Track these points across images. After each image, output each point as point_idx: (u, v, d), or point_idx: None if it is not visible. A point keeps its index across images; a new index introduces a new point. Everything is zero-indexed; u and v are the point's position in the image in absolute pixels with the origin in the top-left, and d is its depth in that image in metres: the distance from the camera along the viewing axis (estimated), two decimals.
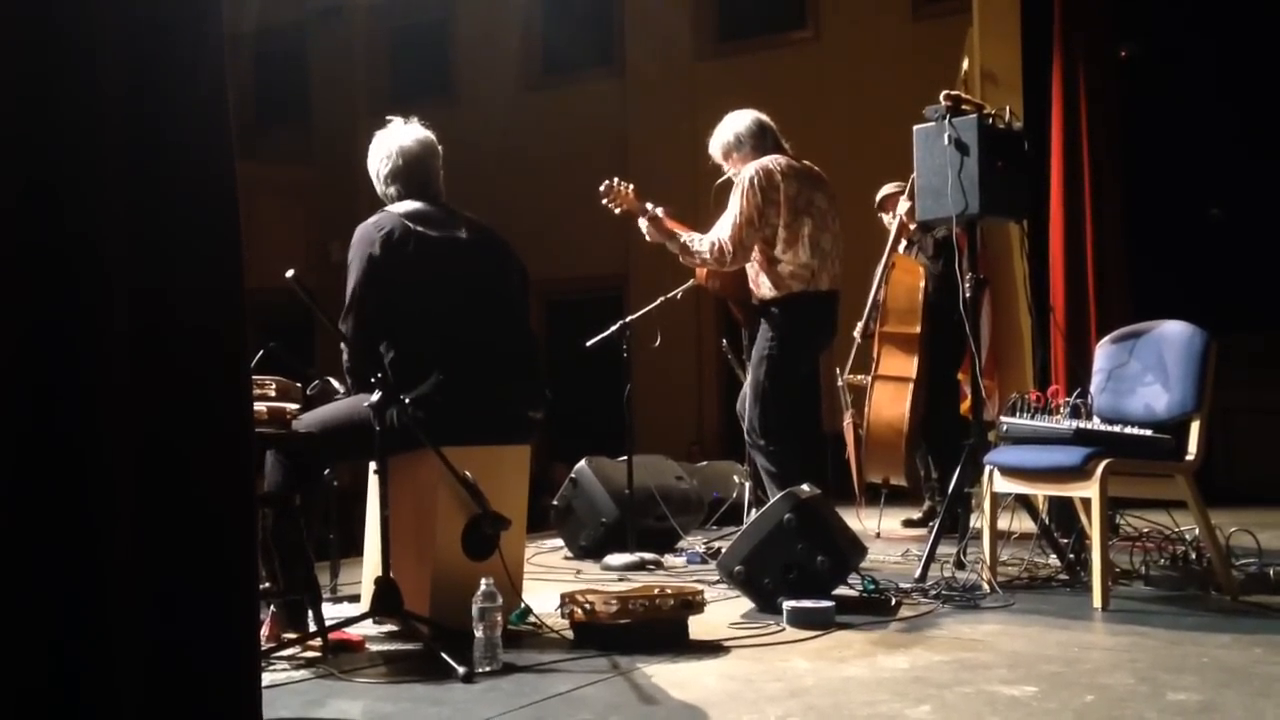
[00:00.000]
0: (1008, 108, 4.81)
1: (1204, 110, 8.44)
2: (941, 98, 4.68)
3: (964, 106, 4.68)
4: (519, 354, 3.85)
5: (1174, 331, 4.26)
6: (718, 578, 4.27)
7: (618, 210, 5.24)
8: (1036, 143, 7.66)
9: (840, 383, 6.42)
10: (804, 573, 3.84)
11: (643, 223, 5.15)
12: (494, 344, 3.76)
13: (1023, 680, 2.92)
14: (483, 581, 3.10)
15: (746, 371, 6.13)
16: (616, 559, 5.15)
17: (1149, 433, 4.09)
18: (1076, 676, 2.96)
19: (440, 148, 3.96)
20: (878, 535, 6.18)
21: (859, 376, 6.27)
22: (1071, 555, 4.58)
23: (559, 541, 5.91)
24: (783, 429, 4.94)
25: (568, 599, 3.37)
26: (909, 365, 6.14)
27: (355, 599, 4.14)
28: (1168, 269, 8.06)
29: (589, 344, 5.43)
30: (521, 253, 4.05)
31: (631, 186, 5.20)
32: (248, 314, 2.13)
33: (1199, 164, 8.49)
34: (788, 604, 3.66)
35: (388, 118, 4.00)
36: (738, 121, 5.12)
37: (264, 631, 3.26)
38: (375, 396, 3.28)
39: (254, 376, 3.48)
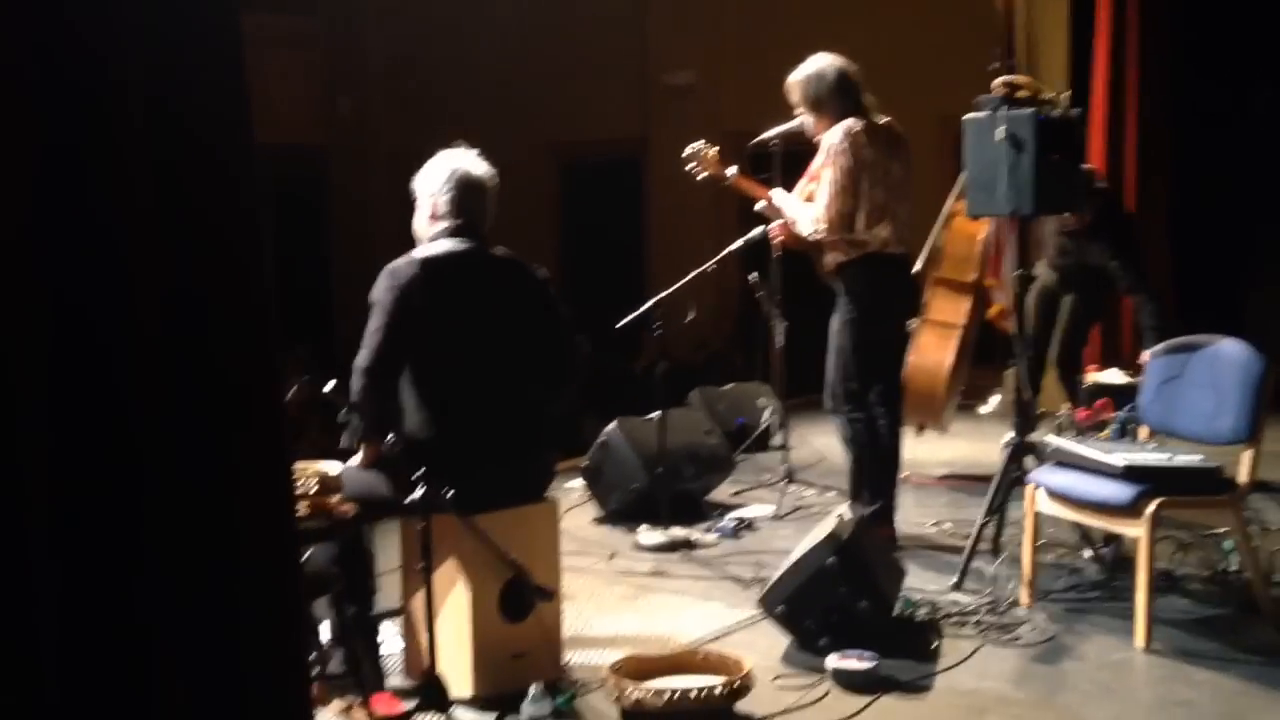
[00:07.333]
0: (1064, 95, 4.54)
1: None
2: (994, 86, 4.43)
3: (1019, 94, 4.43)
4: (539, 401, 3.81)
5: (1231, 352, 4.12)
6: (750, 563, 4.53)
7: (701, 176, 5.31)
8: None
9: None
10: (845, 616, 3.83)
11: (763, 205, 5.16)
12: (512, 398, 3.71)
13: None
14: (532, 688, 3.09)
15: (775, 311, 6.05)
16: (649, 537, 5.14)
17: (1199, 460, 4.01)
18: None
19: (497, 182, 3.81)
20: (907, 477, 6.14)
21: (913, 321, 6.15)
22: (1106, 550, 4.58)
23: (580, 483, 5.85)
24: (864, 395, 4.94)
25: (615, 681, 3.35)
26: (959, 311, 6.08)
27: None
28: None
29: (619, 325, 5.28)
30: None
31: (716, 149, 5.23)
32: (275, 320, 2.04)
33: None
34: (832, 663, 3.65)
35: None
36: (823, 76, 4.87)
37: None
38: (419, 493, 3.20)
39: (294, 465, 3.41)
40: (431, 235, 3.74)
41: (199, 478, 1.92)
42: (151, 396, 1.84)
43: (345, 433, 3.72)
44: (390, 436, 3.56)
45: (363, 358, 3.56)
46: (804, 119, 4.95)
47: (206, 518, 1.93)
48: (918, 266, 6.20)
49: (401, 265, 3.63)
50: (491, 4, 11.52)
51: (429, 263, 3.63)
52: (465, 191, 3.73)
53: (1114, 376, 6.05)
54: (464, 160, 3.77)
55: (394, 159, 12.77)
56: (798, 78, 4.92)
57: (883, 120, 4.87)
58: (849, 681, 3.61)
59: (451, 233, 3.71)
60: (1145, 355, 6.21)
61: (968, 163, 4.49)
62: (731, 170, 5.26)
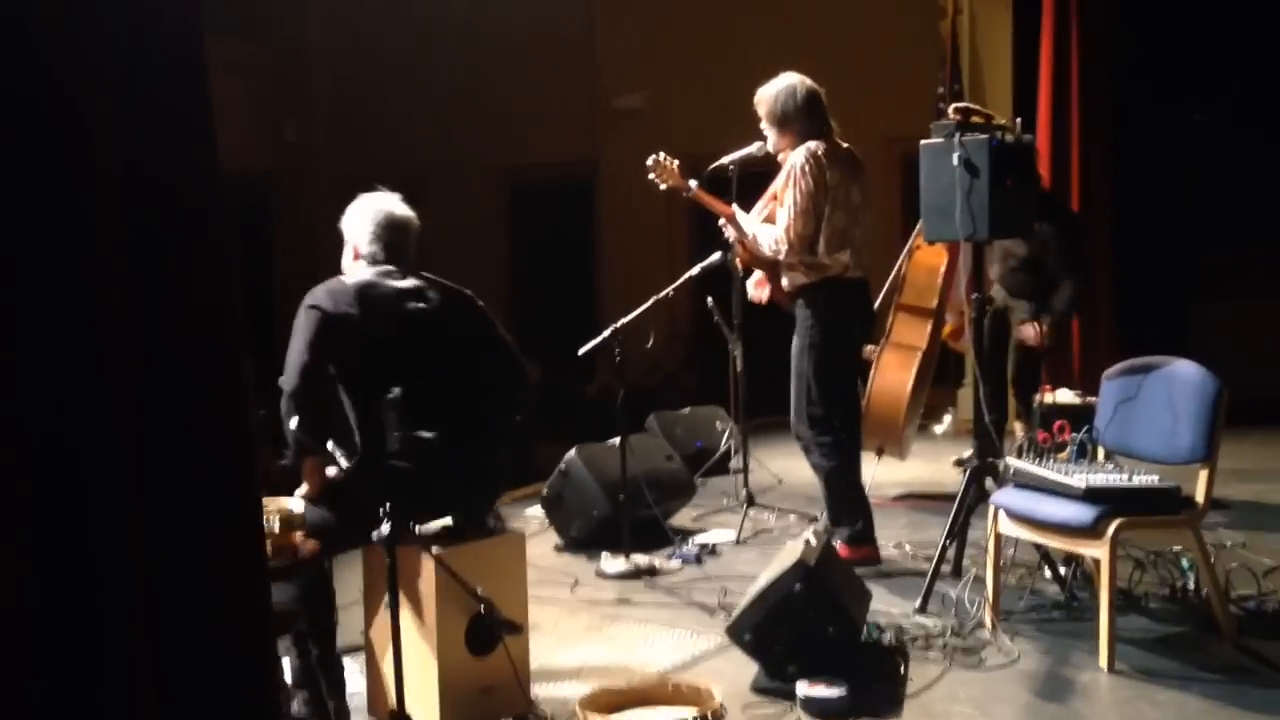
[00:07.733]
0: (1018, 121, 4.60)
1: None
2: (950, 112, 4.48)
3: (973, 119, 4.48)
4: (485, 424, 3.76)
5: (1186, 373, 4.17)
6: (714, 589, 4.63)
7: (663, 186, 5.30)
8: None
9: None
10: (813, 642, 3.83)
11: (723, 222, 5.21)
12: (454, 421, 3.65)
13: None
14: None
15: (734, 331, 6.05)
16: (611, 565, 5.12)
17: (1156, 479, 4.05)
18: None
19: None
20: None
21: (870, 347, 6.21)
22: (1065, 572, 4.61)
23: (538, 511, 5.84)
24: (830, 419, 4.98)
25: (585, 716, 3.33)
26: (920, 335, 6.18)
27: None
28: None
29: (580, 352, 5.26)
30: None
31: (677, 162, 5.24)
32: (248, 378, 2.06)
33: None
34: (802, 690, 3.65)
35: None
36: (793, 94, 4.94)
37: None
38: (385, 528, 3.15)
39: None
40: (357, 271, 3.74)
41: (169, 513, 1.91)
42: (124, 431, 1.83)
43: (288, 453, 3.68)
44: (336, 458, 3.52)
45: (286, 380, 3.51)
46: (768, 135, 4.99)
47: (177, 555, 1.92)
48: (879, 300, 6.27)
49: (325, 288, 3.62)
50: (439, 28, 11.48)
51: (355, 287, 3.62)
52: (388, 230, 3.76)
53: (1064, 396, 6.12)
54: (386, 202, 3.82)
55: (340, 183, 12.69)
56: (768, 93, 4.95)
57: (845, 145, 4.92)
58: (819, 709, 3.60)
59: (376, 265, 3.72)
60: (1025, 330, 6.39)
61: (924, 188, 4.53)
62: (693, 182, 5.28)
